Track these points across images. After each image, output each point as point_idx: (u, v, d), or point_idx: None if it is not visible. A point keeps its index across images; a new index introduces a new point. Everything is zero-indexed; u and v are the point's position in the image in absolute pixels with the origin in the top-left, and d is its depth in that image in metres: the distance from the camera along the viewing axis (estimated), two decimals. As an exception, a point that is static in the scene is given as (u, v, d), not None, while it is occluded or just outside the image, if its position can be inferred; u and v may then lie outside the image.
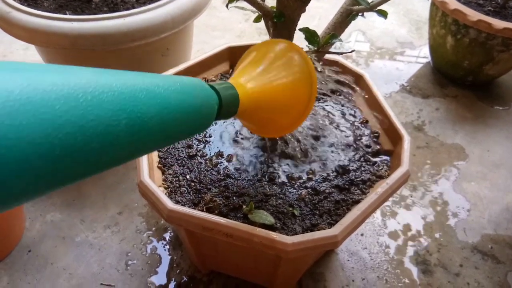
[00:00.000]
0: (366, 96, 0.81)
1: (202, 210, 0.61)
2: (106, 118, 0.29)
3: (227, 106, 0.43)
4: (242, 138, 0.73)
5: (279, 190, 0.66)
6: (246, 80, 0.47)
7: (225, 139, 0.73)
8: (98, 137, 0.28)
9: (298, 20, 0.56)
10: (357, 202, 0.64)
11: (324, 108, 0.81)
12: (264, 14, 0.56)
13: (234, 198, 0.64)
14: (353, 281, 0.87)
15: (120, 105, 0.30)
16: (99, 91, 0.29)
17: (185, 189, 0.65)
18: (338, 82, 0.87)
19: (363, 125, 0.77)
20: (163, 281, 0.85)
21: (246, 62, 0.51)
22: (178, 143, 0.72)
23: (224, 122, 0.76)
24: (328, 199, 0.65)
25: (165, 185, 0.65)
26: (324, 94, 0.84)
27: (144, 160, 0.64)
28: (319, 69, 0.57)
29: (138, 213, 0.97)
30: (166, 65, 0.99)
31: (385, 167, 0.70)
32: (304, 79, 0.49)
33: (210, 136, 0.74)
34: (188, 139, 0.73)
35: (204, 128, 0.41)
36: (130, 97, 0.31)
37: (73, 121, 0.26)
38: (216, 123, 0.76)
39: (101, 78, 0.30)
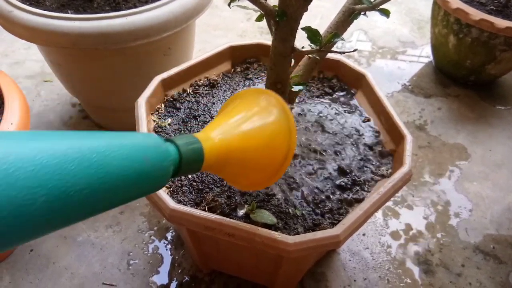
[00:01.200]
0: (368, 96, 0.81)
1: (204, 210, 0.61)
2: (19, 198, 0.25)
3: (188, 164, 0.40)
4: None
5: (281, 189, 0.66)
6: (216, 134, 0.44)
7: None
8: (4, 220, 0.25)
9: (300, 19, 0.55)
10: (359, 201, 0.64)
11: (326, 108, 0.81)
12: (266, 13, 0.55)
13: (236, 197, 0.64)
14: (354, 281, 0.87)
15: (40, 181, 0.26)
16: (13, 166, 0.25)
17: (187, 188, 0.65)
18: (339, 81, 0.87)
19: (365, 125, 0.77)
20: (165, 280, 0.85)
21: (223, 112, 0.48)
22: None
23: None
24: (330, 198, 0.65)
25: (167, 185, 0.65)
26: (325, 93, 0.84)
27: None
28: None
29: (140, 212, 0.97)
30: (168, 65, 0.99)
31: (387, 166, 0.70)
32: (282, 136, 0.46)
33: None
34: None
35: (154, 190, 0.38)
36: (56, 170, 0.27)
37: None
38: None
39: (24, 149, 0.27)
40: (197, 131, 0.74)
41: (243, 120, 0.46)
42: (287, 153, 0.47)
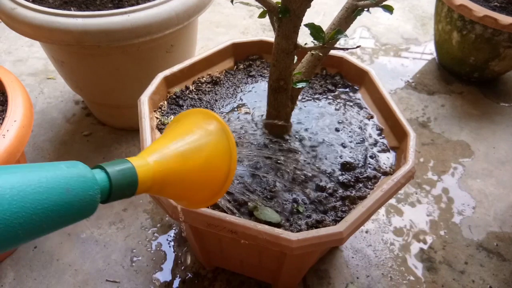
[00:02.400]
0: (371, 93, 0.81)
1: (207, 207, 0.61)
2: None
3: (120, 190, 0.40)
4: (246, 135, 0.73)
5: (284, 186, 0.66)
6: (153, 158, 0.44)
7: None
8: None
9: (303, 15, 0.55)
10: (362, 198, 0.64)
11: (328, 104, 0.80)
12: (269, 9, 0.55)
13: (239, 195, 0.64)
14: (357, 278, 0.87)
15: None
16: None
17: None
18: (342, 78, 0.86)
19: (368, 122, 0.77)
20: (168, 277, 0.86)
21: (162, 136, 0.49)
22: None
23: (232, 118, 0.76)
24: (333, 195, 0.65)
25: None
26: (328, 90, 0.84)
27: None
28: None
29: (143, 209, 0.98)
30: (170, 62, 0.99)
31: (390, 163, 0.70)
32: (221, 156, 0.47)
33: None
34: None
35: (83, 217, 0.37)
36: None
37: None
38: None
39: None
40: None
41: (181, 143, 0.46)
42: (228, 172, 0.47)
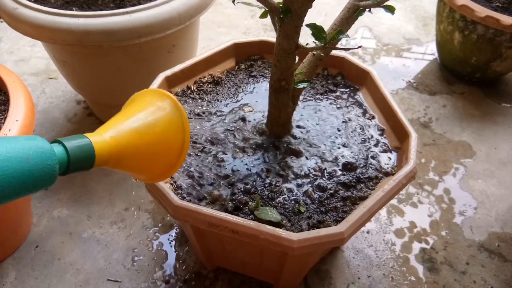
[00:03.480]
0: (373, 93, 0.81)
1: (208, 206, 0.61)
2: None
3: (77, 161, 0.44)
4: (248, 135, 0.73)
5: (286, 187, 0.66)
6: (108, 133, 0.47)
7: (231, 135, 0.73)
8: None
9: (305, 15, 0.55)
10: (363, 199, 0.64)
11: (330, 105, 0.80)
12: (271, 9, 0.55)
13: (240, 194, 0.64)
14: (358, 278, 0.87)
15: None
16: None
17: (191, 185, 0.65)
18: (343, 78, 0.86)
19: (369, 122, 0.77)
20: (169, 277, 0.86)
21: (117, 114, 0.52)
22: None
23: (232, 119, 0.76)
24: (335, 196, 0.65)
25: (171, 181, 0.66)
26: (329, 91, 0.84)
27: (150, 156, 0.64)
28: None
29: (145, 209, 0.98)
30: (172, 62, 0.99)
31: (391, 164, 0.70)
32: (175, 131, 0.50)
33: (216, 131, 0.74)
34: (193, 134, 0.73)
35: (44, 186, 0.42)
36: None
37: None
38: (224, 121, 0.76)
39: None
40: (202, 126, 0.74)
41: (135, 119, 0.49)
42: (182, 146, 0.50)
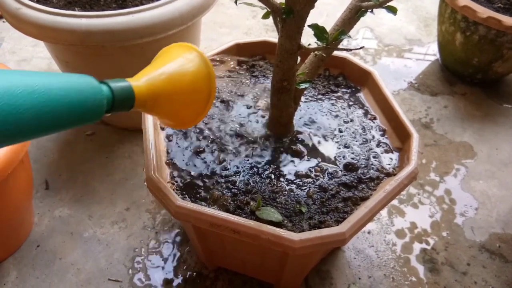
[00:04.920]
0: (374, 94, 0.81)
1: (209, 206, 0.62)
2: None
3: (120, 100, 0.48)
4: (249, 135, 0.73)
5: (287, 187, 0.66)
6: (144, 79, 0.51)
7: (233, 135, 0.73)
8: None
9: (307, 16, 0.55)
10: (365, 199, 0.64)
11: (331, 105, 0.80)
12: (273, 10, 0.56)
13: (242, 194, 0.64)
14: (359, 279, 0.87)
15: None
16: None
17: (192, 185, 0.65)
18: (345, 79, 0.86)
19: (371, 123, 0.77)
20: (170, 277, 0.86)
21: (150, 64, 0.56)
22: (187, 140, 0.73)
23: (231, 119, 0.76)
24: (336, 196, 0.65)
25: (172, 181, 0.66)
26: (331, 91, 0.84)
27: (152, 156, 0.64)
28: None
29: (146, 209, 0.98)
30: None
31: (393, 164, 0.70)
32: (202, 75, 0.54)
33: (217, 130, 0.74)
34: (194, 136, 0.73)
35: (94, 119, 0.46)
36: (6, 92, 0.37)
37: None
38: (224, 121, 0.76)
39: None
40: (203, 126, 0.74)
41: (167, 68, 0.53)
42: (209, 94, 0.55)
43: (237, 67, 0.88)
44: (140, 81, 0.51)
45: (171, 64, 0.54)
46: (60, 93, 0.41)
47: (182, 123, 0.59)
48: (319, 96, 0.83)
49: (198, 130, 0.74)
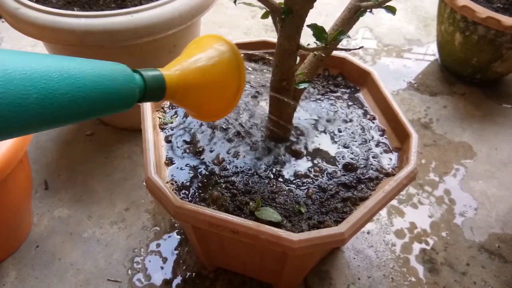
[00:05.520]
0: (374, 94, 0.81)
1: (209, 207, 0.61)
2: (16, 92, 0.35)
3: (152, 89, 0.48)
4: (249, 135, 0.73)
5: (286, 187, 0.66)
6: (176, 68, 0.52)
7: (232, 136, 0.73)
8: (8, 106, 0.34)
9: (306, 16, 0.55)
10: (364, 199, 0.64)
11: (330, 105, 0.80)
12: (272, 10, 0.55)
13: (241, 195, 0.64)
14: (359, 279, 0.87)
15: (31, 82, 0.36)
16: (11, 69, 0.35)
17: (192, 185, 0.65)
18: (344, 79, 0.86)
19: (370, 123, 0.77)
20: (170, 277, 0.86)
21: (181, 55, 0.56)
22: (187, 141, 0.72)
23: (231, 121, 0.76)
24: (335, 196, 0.65)
25: (172, 182, 0.66)
26: (330, 91, 0.84)
27: (151, 156, 0.64)
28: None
29: (145, 209, 0.98)
30: (173, 62, 0.99)
31: (392, 165, 0.70)
32: (232, 68, 0.54)
33: (216, 131, 0.74)
34: (194, 135, 0.73)
35: (126, 107, 0.46)
36: (43, 76, 0.37)
37: None
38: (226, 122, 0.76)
39: (17, 60, 0.36)
40: (203, 127, 0.74)
41: (199, 59, 0.53)
42: (239, 86, 0.55)
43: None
44: (171, 71, 0.51)
45: (202, 54, 0.54)
46: (95, 79, 0.41)
47: (210, 115, 0.58)
48: (318, 96, 0.83)
49: (199, 130, 0.74)
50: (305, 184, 0.66)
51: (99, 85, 0.42)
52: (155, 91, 0.49)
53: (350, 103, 0.81)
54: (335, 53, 0.83)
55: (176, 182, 0.66)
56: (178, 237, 0.93)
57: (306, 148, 0.72)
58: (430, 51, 1.54)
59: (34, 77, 0.36)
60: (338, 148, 0.72)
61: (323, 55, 0.64)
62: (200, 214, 0.57)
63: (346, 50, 0.57)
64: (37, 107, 0.36)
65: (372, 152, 0.72)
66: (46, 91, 0.37)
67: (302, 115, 0.78)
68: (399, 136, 0.73)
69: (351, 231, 0.56)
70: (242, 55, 0.56)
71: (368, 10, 0.60)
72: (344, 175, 0.68)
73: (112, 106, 0.44)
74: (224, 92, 0.55)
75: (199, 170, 0.68)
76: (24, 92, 0.35)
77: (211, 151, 0.71)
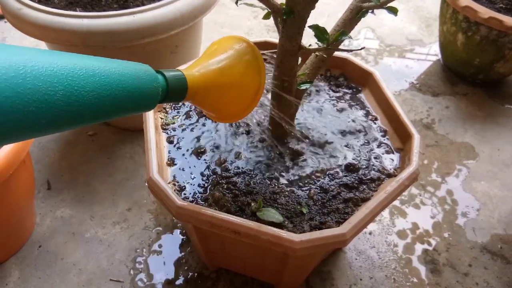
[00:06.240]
0: (375, 94, 0.81)
1: (211, 207, 0.62)
2: (43, 88, 0.35)
3: (174, 89, 0.49)
4: (251, 136, 0.73)
5: (288, 188, 0.66)
6: (197, 69, 0.52)
7: (234, 137, 0.73)
8: (35, 103, 0.34)
9: (308, 17, 0.55)
10: (366, 200, 0.64)
11: (332, 106, 0.80)
12: (274, 10, 0.56)
13: (243, 195, 0.64)
14: (360, 279, 0.87)
15: (58, 78, 0.36)
16: (39, 66, 0.35)
17: (193, 186, 0.65)
18: (346, 79, 0.86)
19: (372, 123, 0.77)
20: (171, 277, 0.86)
21: (203, 55, 0.56)
22: (189, 141, 0.73)
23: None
24: (337, 197, 0.65)
25: (174, 182, 0.66)
26: (332, 91, 0.84)
27: (153, 157, 0.64)
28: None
29: (147, 209, 0.98)
30: (175, 62, 0.99)
31: (394, 165, 0.70)
32: (253, 69, 0.54)
33: (218, 131, 0.74)
34: (196, 136, 0.73)
35: (149, 106, 0.47)
36: (69, 73, 0.37)
37: (12, 88, 0.33)
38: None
39: (44, 57, 0.36)
40: (204, 127, 0.74)
41: (220, 60, 0.54)
42: (258, 88, 0.55)
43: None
44: (192, 72, 0.51)
45: (222, 55, 0.54)
46: (119, 77, 0.42)
47: (229, 116, 0.59)
48: (321, 98, 0.83)
49: (200, 131, 0.74)
50: (306, 184, 0.66)
51: (123, 84, 0.42)
52: (177, 91, 0.49)
53: (351, 104, 0.81)
54: (337, 53, 0.84)
55: (178, 182, 0.66)
56: (180, 237, 0.93)
57: (307, 148, 0.72)
58: (432, 52, 1.54)
59: (60, 74, 0.36)
60: (340, 149, 0.72)
61: (325, 55, 0.64)
62: (201, 215, 0.57)
63: (347, 50, 0.57)
64: (64, 104, 0.37)
65: (374, 152, 0.72)
66: (72, 88, 0.37)
67: (304, 115, 0.78)
68: (401, 136, 0.73)
69: (352, 232, 0.56)
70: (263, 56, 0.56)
71: (370, 11, 0.60)
72: (346, 176, 0.68)
73: (135, 105, 0.44)
74: (244, 93, 0.55)
75: (201, 171, 0.68)
76: (51, 89, 0.36)
77: (213, 152, 0.71)
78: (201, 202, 0.63)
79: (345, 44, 1.53)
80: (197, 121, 0.76)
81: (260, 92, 0.55)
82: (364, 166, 0.69)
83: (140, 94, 0.44)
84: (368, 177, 0.67)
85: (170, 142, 0.72)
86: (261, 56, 0.55)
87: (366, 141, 0.74)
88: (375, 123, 0.77)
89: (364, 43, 1.58)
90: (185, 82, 0.50)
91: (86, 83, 0.38)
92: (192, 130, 0.75)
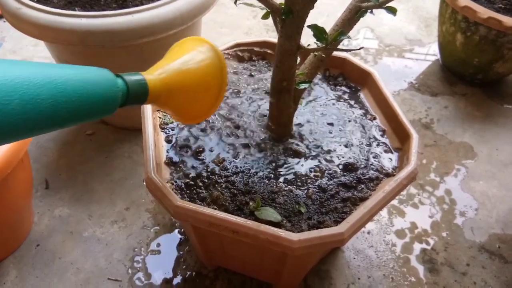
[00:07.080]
0: (374, 94, 0.81)
1: (209, 207, 0.62)
2: None
3: (135, 93, 0.49)
4: (249, 136, 0.73)
5: (286, 187, 0.66)
6: (158, 72, 0.52)
7: (232, 136, 0.73)
8: None
9: (307, 16, 0.55)
10: (364, 200, 0.64)
11: (331, 105, 0.80)
12: (273, 10, 0.56)
13: (241, 194, 0.64)
14: (359, 279, 0.87)
15: (13, 88, 0.36)
16: None
17: (192, 185, 0.65)
18: (345, 79, 0.86)
19: (370, 123, 0.77)
20: (170, 276, 0.86)
21: (164, 57, 0.57)
22: (187, 140, 0.73)
23: (232, 121, 0.76)
24: (335, 196, 0.65)
25: (172, 181, 0.66)
26: (331, 91, 0.84)
27: (151, 156, 0.64)
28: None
29: (145, 208, 0.98)
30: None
31: (392, 165, 0.70)
32: (214, 70, 0.55)
33: (217, 131, 0.74)
34: (194, 135, 0.73)
35: (109, 111, 0.47)
36: (25, 81, 0.37)
37: None
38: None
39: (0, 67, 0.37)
40: (201, 127, 0.74)
41: (180, 61, 0.54)
42: (220, 88, 0.55)
43: (237, 67, 0.88)
44: (154, 75, 0.51)
45: (184, 57, 0.54)
46: (77, 84, 0.42)
47: (193, 118, 0.59)
48: (321, 99, 0.83)
49: (199, 130, 0.74)
50: (305, 184, 0.66)
51: (81, 90, 0.42)
52: (138, 95, 0.49)
53: (350, 103, 0.81)
54: (335, 53, 0.84)
55: (176, 181, 0.66)
56: (178, 236, 0.93)
57: (306, 148, 0.72)
58: (431, 52, 1.54)
59: (15, 83, 0.37)
60: (338, 148, 0.72)
61: (324, 55, 0.64)
62: (200, 214, 0.57)
63: (346, 50, 0.57)
64: (20, 113, 0.37)
65: (372, 152, 0.72)
66: (28, 97, 0.37)
67: (303, 115, 0.78)
68: (399, 136, 0.73)
69: (351, 231, 0.56)
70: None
71: (369, 11, 0.60)
72: (344, 175, 0.68)
73: (95, 111, 0.44)
74: (207, 93, 0.55)
75: (199, 170, 0.68)
76: (6, 98, 0.36)
77: (211, 151, 0.71)
78: (199, 202, 0.63)
79: (344, 43, 1.53)
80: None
81: (222, 93, 0.55)
82: (362, 166, 0.69)
83: (99, 99, 0.44)
84: (367, 176, 0.68)
85: (168, 141, 0.72)
86: (223, 56, 0.55)
87: (364, 140, 0.74)
88: (373, 123, 0.77)
89: (363, 43, 1.58)
90: (145, 85, 0.49)
91: (42, 91, 0.38)
92: (190, 129, 0.75)
